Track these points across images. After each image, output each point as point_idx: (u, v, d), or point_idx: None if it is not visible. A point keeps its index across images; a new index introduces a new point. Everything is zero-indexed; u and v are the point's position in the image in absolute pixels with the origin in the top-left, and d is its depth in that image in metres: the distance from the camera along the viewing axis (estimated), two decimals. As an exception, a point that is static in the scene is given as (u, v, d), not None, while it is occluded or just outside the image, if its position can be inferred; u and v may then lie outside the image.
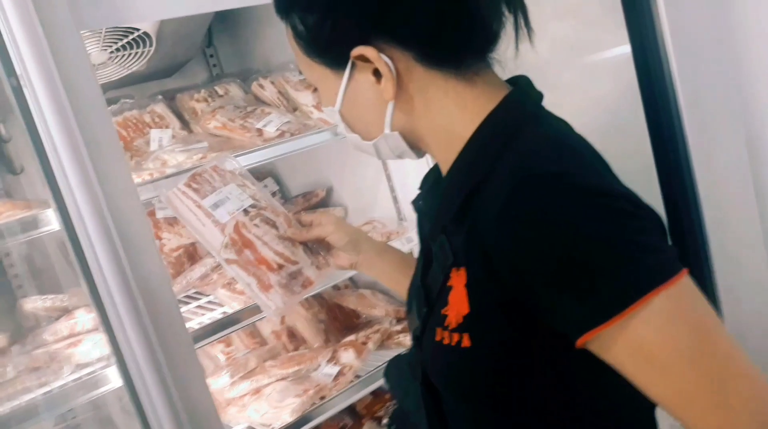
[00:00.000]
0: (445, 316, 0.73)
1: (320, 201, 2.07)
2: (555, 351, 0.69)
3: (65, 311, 1.40)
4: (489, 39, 0.75)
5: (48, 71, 1.01)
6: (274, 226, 1.18)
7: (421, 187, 0.93)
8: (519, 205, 0.64)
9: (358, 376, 1.60)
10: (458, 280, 0.72)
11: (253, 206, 1.19)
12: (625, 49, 1.19)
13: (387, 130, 0.79)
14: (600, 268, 0.61)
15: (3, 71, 1.03)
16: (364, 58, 0.74)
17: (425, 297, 0.80)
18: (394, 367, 0.98)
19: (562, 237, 0.61)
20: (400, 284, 1.14)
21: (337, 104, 0.80)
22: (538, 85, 0.79)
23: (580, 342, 0.64)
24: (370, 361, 1.66)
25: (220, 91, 1.80)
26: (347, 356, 1.62)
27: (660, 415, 0.75)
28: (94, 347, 1.28)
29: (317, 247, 1.21)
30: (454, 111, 0.75)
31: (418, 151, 0.84)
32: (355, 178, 2.01)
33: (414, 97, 0.76)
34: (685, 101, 1.17)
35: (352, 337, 1.72)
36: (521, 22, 0.75)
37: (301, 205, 2.01)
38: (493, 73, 0.78)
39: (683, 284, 0.62)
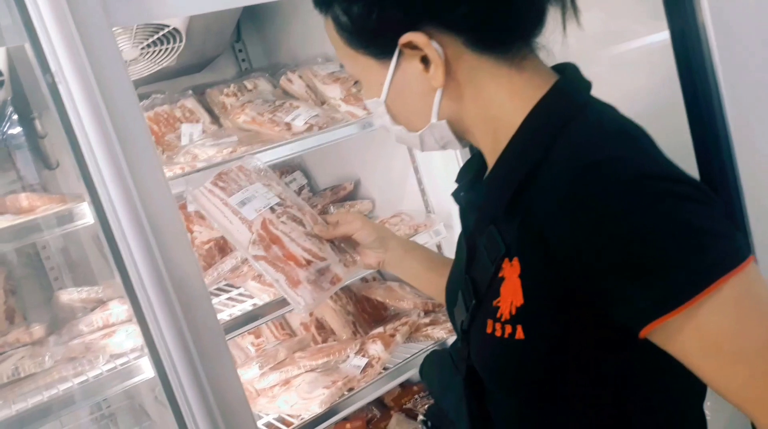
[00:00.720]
0: (497, 307, 0.72)
1: (348, 194, 2.08)
2: (610, 345, 0.68)
3: (100, 303, 1.43)
4: (537, 21, 0.73)
5: (82, 68, 1.03)
6: (300, 223, 1.18)
7: (458, 180, 0.91)
8: (582, 192, 0.62)
9: (386, 368, 1.61)
10: (511, 271, 0.71)
11: (279, 204, 1.19)
12: (657, 38, 1.16)
13: (434, 120, 0.78)
14: (668, 254, 0.59)
15: (39, 68, 1.06)
16: (412, 45, 0.72)
17: (473, 289, 0.78)
18: (431, 363, 0.97)
19: (625, 223, 0.60)
20: (426, 282, 1.15)
21: (383, 95, 0.79)
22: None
23: (644, 332, 0.62)
24: (398, 354, 1.67)
25: (249, 86, 1.82)
26: (375, 348, 1.63)
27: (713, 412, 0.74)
28: (128, 338, 1.30)
29: (344, 245, 1.21)
30: (504, 98, 0.74)
31: (463, 140, 0.82)
32: (383, 171, 2.01)
33: (463, 83, 0.75)
34: (728, 92, 1.14)
35: (380, 330, 1.73)
36: (569, 5, 0.73)
37: (329, 199, 2.03)
38: (539, 59, 0.76)
39: (751, 270, 0.60)
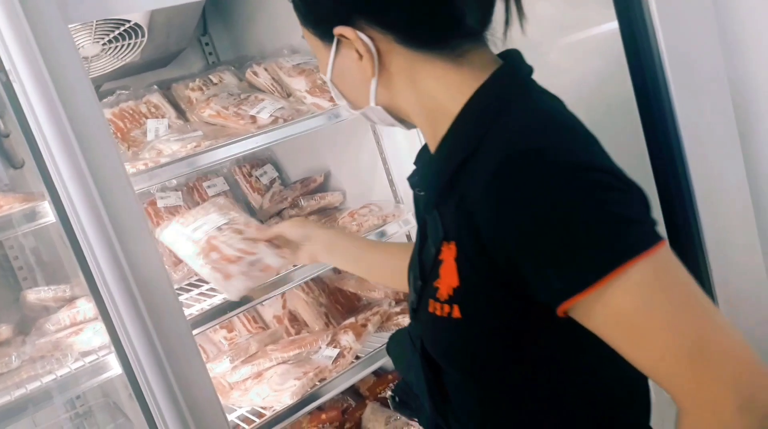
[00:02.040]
0: (437, 288, 0.77)
1: (318, 186, 2.08)
2: (541, 323, 0.72)
3: (68, 301, 1.42)
4: (477, 23, 0.76)
5: (36, 66, 1.02)
6: (240, 232, 1.40)
7: (416, 163, 0.94)
8: (502, 181, 0.67)
9: (357, 358, 1.62)
10: (449, 253, 0.75)
11: (227, 224, 1.42)
12: (611, 26, 1.19)
13: (372, 104, 0.83)
14: (577, 238, 0.64)
15: (-7, 67, 1.05)
16: (345, 37, 0.77)
17: (420, 270, 0.84)
18: (395, 341, 1.01)
19: (541, 210, 0.64)
20: (367, 266, 1.25)
21: (327, 74, 0.85)
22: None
23: (560, 311, 0.67)
24: (369, 343, 1.68)
25: (215, 80, 1.81)
26: (347, 339, 1.64)
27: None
28: (96, 335, 1.31)
29: (282, 244, 1.37)
30: (439, 90, 0.77)
31: (407, 123, 0.87)
32: (352, 162, 2.02)
33: (396, 76, 0.79)
34: (673, 74, 1.17)
35: (351, 320, 1.74)
36: (513, 6, 0.76)
37: (299, 191, 2.03)
38: (483, 50, 0.79)
39: (661, 255, 0.64)
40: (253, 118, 1.58)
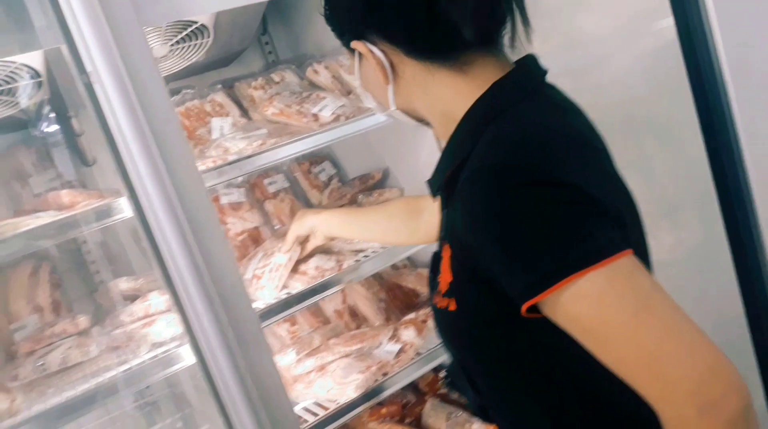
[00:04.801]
0: (438, 283, 0.85)
1: (376, 183, 2.10)
2: (520, 315, 0.75)
3: (141, 293, 1.48)
4: (474, 37, 0.81)
5: (116, 68, 1.07)
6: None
7: None
8: (467, 191, 0.74)
9: (418, 354, 1.63)
10: (446, 252, 0.83)
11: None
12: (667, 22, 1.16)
13: (392, 107, 0.91)
14: (530, 249, 0.70)
15: (75, 69, 1.09)
16: (360, 50, 0.87)
17: (432, 266, 0.92)
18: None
19: (501, 222, 0.71)
20: (360, 233, 1.48)
21: (356, 80, 0.94)
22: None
23: (523, 310, 0.72)
24: (430, 339, 1.69)
25: (276, 78, 1.84)
26: (408, 334, 1.65)
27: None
28: (168, 327, 1.35)
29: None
30: (448, 97, 0.85)
31: (429, 125, 0.94)
32: (411, 159, 2.03)
33: (410, 83, 0.87)
34: (731, 71, 1.13)
35: (412, 316, 1.75)
36: (518, 21, 0.82)
37: (358, 188, 2.05)
38: (492, 58, 0.84)
39: (617, 265, 0.67)
40: (316, 116, 1.60)
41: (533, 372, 0.83)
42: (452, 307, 0.82)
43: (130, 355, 1.32)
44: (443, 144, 0.88)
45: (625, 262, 0.68)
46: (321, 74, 1.79)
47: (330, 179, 2.18)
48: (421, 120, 0.94)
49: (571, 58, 1.46)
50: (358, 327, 1.87)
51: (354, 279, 1.59)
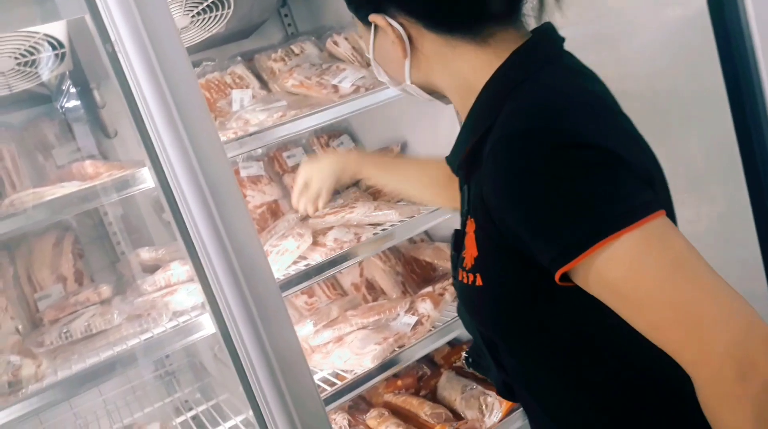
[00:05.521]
0: (464, 258, 0.84)
1: (395, 156, 2.09)
2: (554, 288, 0.74)
3: (162, 263, 1.49)
4: (503, 8, 0.81)
5: (139, 37, 1.07)
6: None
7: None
8: (496, 159, 0.73)
9: (434, 327, 1.64)
10: (470, 226, 0.82)
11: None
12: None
13: (408, 82, 0.91)
14: (563, 214, 0.68)
15: (99, 39, 1.10)
16: (378, 24, 0.85)
17: (454, 243, 0.92)
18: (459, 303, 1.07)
19: (531, 188, 0.70)
20: (394, 181, 1.34)
21: (370, 53, 0.93)
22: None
23: (557, 277, 0.71)
24: (446, 312, 1.70)
25: (296, 50, 1.84)
26: (425, 307, 1.66)
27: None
28: (189, 296, 1.36)
29: None
30: (468, 69, 0.84)
31: (444, 98, 0.93)
32: (429, 132, 2.02)
33: (429, 57, 0.86)
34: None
35: (429, 289, 1.76)
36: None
37: (376, 161, 2.04)
38: (511, 30, 0.83)
39: (652, 227, 0.66)
40: (335, 88, 1.60)
41: (562, 345, 0.82)
42: (479, 282, 0.81)
43: (151, 323, 1.34)
44: (463, 117, 0.87)
45: (658, 223, 0.67)
46: (341, 45, 1.78)
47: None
48: (434, 93, 0.93)
49: (596, 28, 1.44)
50: (375, 300, 1.89)
51: (371, 253, 1.60)
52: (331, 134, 2.19)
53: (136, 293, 1.45)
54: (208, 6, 1.54)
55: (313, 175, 1.35)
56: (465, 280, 0.84)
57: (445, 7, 0.81)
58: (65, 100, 1.74)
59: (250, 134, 1.38)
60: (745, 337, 0.63)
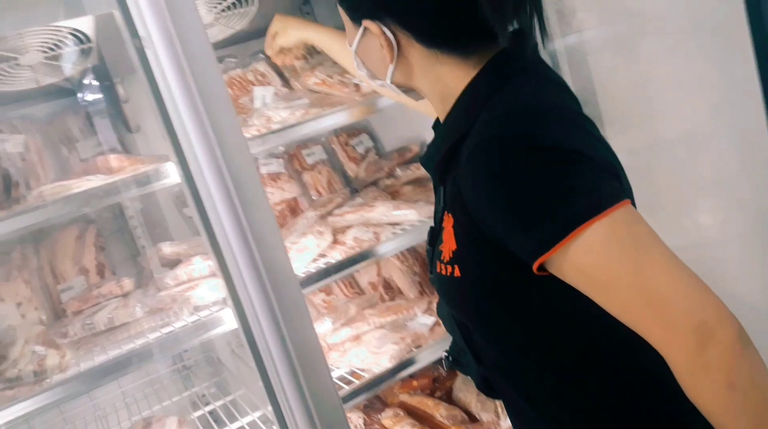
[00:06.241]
0: (441, 251, 0.90)
1: (414, 156, 2.09)
2: (527, 276, 0.80)
3: (183, 258, 1.50)
4: (492, 30, 0.83)
5: (167, 33, 1.08)
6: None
7: (434, 131, 1.04)
8: (475, 161, 0.79)
9: (453, 327, 1.64)
10: (448, 222, 0.88)
11: None
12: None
13: (388, 81, 0.95)
14: (538, 207, 0.75)
15: (127, 34, 1.11)
16: (371, 29, 0.90)
17: (429, 238, 0.99)
18: (441, 303, 1.09)
19: (508, 187, 0.76)
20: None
21: (353, 47, 0.97)
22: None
23: (535, 267, 0.76)
24: (465, 313, 1.69)
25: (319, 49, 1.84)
26: (443, 307, 1.66)
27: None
28: (210, 291, 1.37)
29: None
30: (450, 78, 0.89)
31: (415, 95, 0.99)
32: (450, 132, 2.01)
33: (412, 64, 0.91)
34: None
35: (447, 289, 1.76)
36: (535, 24, 0.87)
37: (396, 161, 2.04)
38: (495, 44, 0.87)
39: (618, 215, 0.72)
40: (357, 86, 1.60)
41: (539, 332, 0.87)
42: (457, 273, 0.86)
43: (173, 317, 1.35)
44: (442, 118, 0.93)
45: (624, 211, 0.73)
46: (363, 45, 1.78)
47: (367, 152, 2.18)
48: (409, 92, 0.99)
49: (617, 30, 1.44)
50: (392, 299, 1.89)
51: (391, 253, 1.59)
52: (351, 133, 2.19)
53: (158, 287, 1.46)
54: (232, 3, 1.55)
55: (279, 31, 1.56)
56: (443, 272, 0.89)
57: (443, 28, 0.87)
58: (89, 94, 1.76)
59: (273, 132, 1.39)
60: (702, 310, 0.69)
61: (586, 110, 1.62)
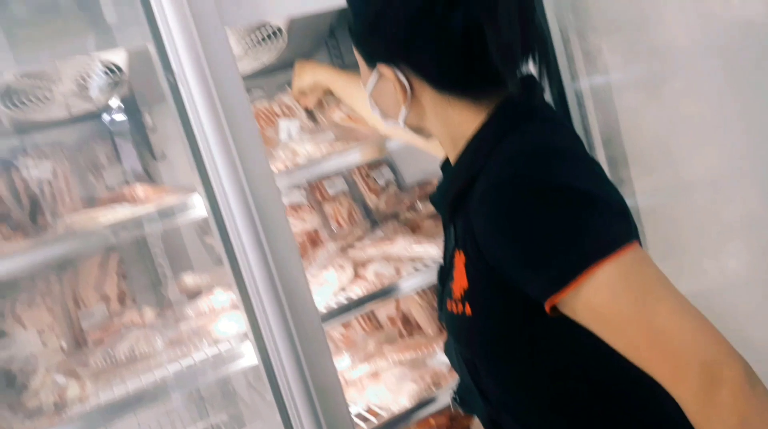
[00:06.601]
0: (452, 289, 0.90)
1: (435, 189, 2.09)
2: (538, 315, 0.80)
3: (204, 289, 1.50)
4: (502, 77, 0.85)
5: (200, 67, 1.09)
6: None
7: (442, 171, 1.07)
8: (489, 200, 0.81)
9: (473, 365, 1.61)
10: (459, 259, 0.89)
11: None
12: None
13: (400, 124, 0.98)
14: (550, 248, 0.76)
15: (161, 67, 1.12)
16: (385, 74, 0.93)
17: (439, 275, 1.01)
18: (448, 342, 1.09)
19: (518, 227, 0.78)
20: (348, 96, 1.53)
21: (368, 90, 0.99)
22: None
23: (547, 308, 0.78)
24: (485, 351, 1.67)
25: (344, 83, 1.85)
26: (463, 345, 1.64)
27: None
28: (231, 324, 1.37)
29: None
30: (461, 120, 0.91)
31: (426, 135, 1.01)
32: (472, 167, 2.01)
33: (425, 107, 0.94)
34: None
35: (467, 326, 1.73)
36: (544, 72, 0.90)
37: (417, 194, 2.04)
38: (504, 88, 0.88)
39: (627, 256, 0.74)
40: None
41: (547, 372, 0.88)
42: (468, 311, 0.87)
43: (193, 349, 1.34)
44: (452, 159, 0.95)
45: (633, 252, 0.75)
46: (388, 80, 1.79)
47: (387, 184, 2.18)
48: (420, 131, 1.01)
49: (644, 69, 1.44)
50: (410, 334, 1.87)
51: (410, 289, 1.58)
52: (372, 164, 2.20)
53: (179, 318, 1.46)
54: (263, 37, 1.57)
55: (296, 74, 1.65)
56: (454, 310, 0.89)
57: (455, 75, 0.89)
58: (117, 121, 1.78)
59: (300, 167, 1.39)
60: (709, 350, 0.70)
61: (611, 150, 1.64)
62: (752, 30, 1.20)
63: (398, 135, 1.45)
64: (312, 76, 1.62)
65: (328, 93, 1.88)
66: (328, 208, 1.99)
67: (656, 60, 1.42)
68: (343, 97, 1.59)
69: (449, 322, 0.93)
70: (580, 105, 1.62)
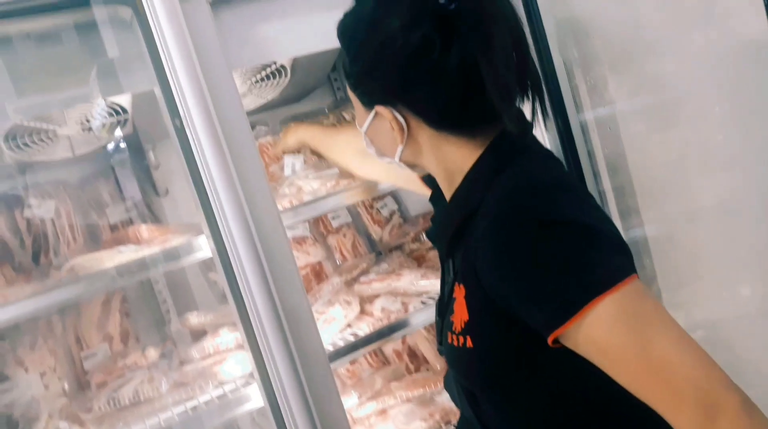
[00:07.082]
0: (452, 322, 0.90)
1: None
2: (540, 347, 0.80)
3: (209, 328, 1.48)
4: (498, 115, 0.86)
5: (206, 110, 1.09)
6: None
7: (434, 205, 1.10)
8: (491, 234, 0.82)
9: (482, 401, 1.59)
10: (459, 292, 0.89)
11: None
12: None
13: (396, 160, 0.99)
14: (552, 282, 0.77)
15: (167, 112, 1.12)
16: (383, 114, 0.93)
17: (438, 309, 1.01)
18: (448, 376, 1.09)
19: (520, 261, 0.79)
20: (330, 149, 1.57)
21: (364, 128, 1.00)
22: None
23: (549, 340, 0.78)
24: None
25: (347, 116, 1.86)
26: (471, 380, 1.61)
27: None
28: (237, 365, 1.34)
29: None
30: (456, 156, 0.93)
31: (422, 170, 1.02)
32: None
33: (421, 144, 0.95)
34: None
35: (475, 361, 1.71)
36: (537, 109, 0.91)
37: (421, 226, 2.03)
38: (499, 123, 0.90)
39: (628, 289, 0.75)
40: (387, 156, 1.60)
41: (550, 404, 0.88)
42: (469, 344, 0.87)
43: (198, 392, 1.32)
44: (448, 194, 0.96)
45: (633, 285, 0.76)
46: (391, 114, 1.79)
47: (391, 215, 2.17)
48: (415, 167, 1.02)
49: (649, 100, 1.44)
50: (417, 369, 1.85)
51: (418, 325, 1.56)
52: (375, 197, 2.19)
53: (184, 359, 1.44)
54: (266, 75, 1.57)
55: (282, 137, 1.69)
56: (455, 343, 0.89)
57: (452, 114, 0.90)
58: (121, 159, 1.78)
59: (305, 204, 1.39)
60: (707, 381, 0.71)
61: (618, 180, 1.63)
62: (754, 55, 1.20)
63: (380, 178, 1.46)
64: (294, 136, 1.67)
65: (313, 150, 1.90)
66: (332, 241, 1.98)
67: (661, 89, 1.43)
68: (322, 151, 1.62)
69: (450, 354, 0.94)
70: (585, 136, 1.62)
